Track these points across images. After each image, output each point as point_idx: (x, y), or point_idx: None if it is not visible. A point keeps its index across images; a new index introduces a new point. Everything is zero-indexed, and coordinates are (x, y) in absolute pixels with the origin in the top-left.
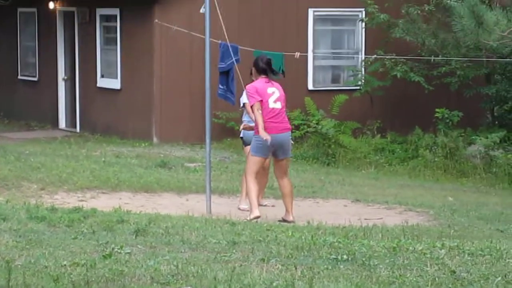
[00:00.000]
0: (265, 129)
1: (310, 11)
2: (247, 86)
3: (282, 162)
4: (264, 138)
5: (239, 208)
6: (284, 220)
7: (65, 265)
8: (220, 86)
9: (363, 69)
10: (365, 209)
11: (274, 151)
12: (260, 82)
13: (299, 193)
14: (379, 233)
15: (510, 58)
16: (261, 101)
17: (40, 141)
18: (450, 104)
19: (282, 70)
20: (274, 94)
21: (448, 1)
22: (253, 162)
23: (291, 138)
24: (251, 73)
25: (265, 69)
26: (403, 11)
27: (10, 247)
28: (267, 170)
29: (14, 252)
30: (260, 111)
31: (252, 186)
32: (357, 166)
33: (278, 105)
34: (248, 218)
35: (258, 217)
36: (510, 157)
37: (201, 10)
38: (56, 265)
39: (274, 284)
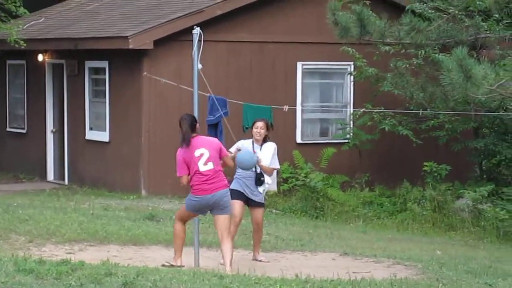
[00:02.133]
0: (198, 190)
1: (299, 65)
2: (177, 153)
3: (220, 218)
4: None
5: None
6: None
7: None
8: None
9: (351, 122)
10: (353, 262)
11: (211, 210)
12: (186, 148)
13: (287, 246)
14: (367, 286)
15: (498, 112)
16: (189, 167)
17: (28, 193)
18: (439, 157)
19: (271, 123)
20: (203, 156)
21: (436, 55)
22: (183, 212)
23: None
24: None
25: (192, 128)
26: (391, 65)
27: None
28: (260, 225)
29: None
30: (184, 184)
31: (179, 233)
32: (345, 219)
33: (210, 166)
34: (169, 264)
35: (180, 266)
36: (498, 211)
37: (200, 67)
38: None
39: None
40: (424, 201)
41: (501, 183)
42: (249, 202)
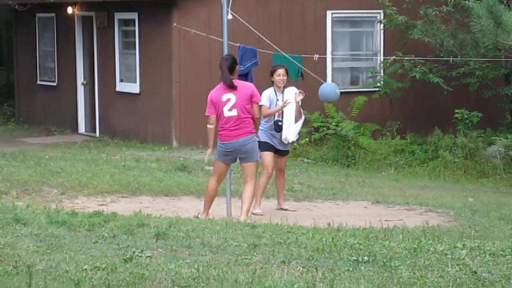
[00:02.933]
0: (222, 136)
1: (329, 13)
2: (209, 95)
3: (246, 166)
4: (206, 159)
5: (252, 213)
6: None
7: (86, 269)
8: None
9: (382, 70)
10: (385, 210)
11: (238, 157)
12: (217, 89)
13: (319, 195)
14: (400, 234)
15: None
16: (217, 110)
17: (59, 146)
18: (469, 104)
19: (301, 73)
20: (229, 102)
21: (466, 2)
22: (215, 164)
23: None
24: (271, 75)
25: (224, 75)
26: (421, 12)
27: (31, 252)
28: (283, 171)
29: (35, 256)
30: (211, 125)
31: (210, 191)
32: (377, 167)
33: (234, 112)
34: (197, 216)
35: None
36: None
37: (229, 17)
38: (77, 269)
39: (295, 286)
40: (455, 148)
41: None
42: (277, 152)
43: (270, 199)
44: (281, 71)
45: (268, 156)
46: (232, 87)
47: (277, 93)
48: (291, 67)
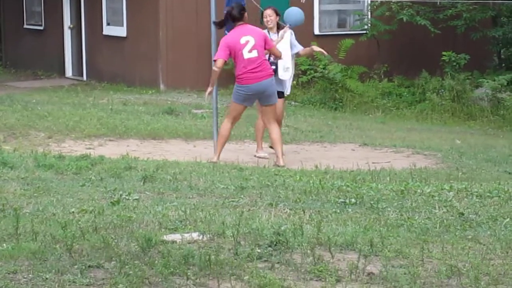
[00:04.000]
0: (243, 79)
1: None
2: (222, 39)
3: (268, 109)
4: (206, 101)
5: (255, 156)
6: (276, 165)
7: (73, 212)
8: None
9: (369, 13)
10: (372, 153)
11: (258, 99)
12: (233, 33)
13: (306, 137)
14: (387, 176)
15: None
16: (234, 54)
17: (46, 89)
18: (457, 47)
19: None
20: (248, 43)
21: None
22: (232, 108)
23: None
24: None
25: (238, 17)
26: None
27: (18, 195)
28: (280, 116)
29: (22, 200)
30: (217, 69)
31: (224, 132)
32: (364, 110)
33: (254, 54)
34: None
35: (214, 162)
36: None
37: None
38: (64, 212)
39: (283, 228)
40: (443, 90)
41: None
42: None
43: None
44: (267, 11)
45: None
46: (246, 30)
47: (271, 33)
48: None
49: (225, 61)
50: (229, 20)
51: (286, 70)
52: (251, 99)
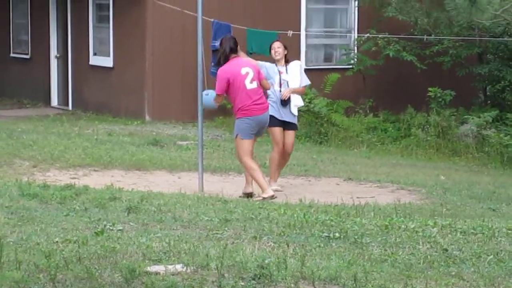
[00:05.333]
0: (251, 111)
1: None
2: (218, 70)
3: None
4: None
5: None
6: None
7: (57, 241)
8: (213, 65)
9: (355, 48)
10: (357, 187)
11: (257, 132)
12: (230, 65)
13: (291, 171)
14: (371, 211)
15: (503, 37)
16: (234, 85)
17: (32, 118)
18: (443, 83)
19: None
20: (248, 75)
21: None
22: (241, 144)
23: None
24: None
25: (234, 48)
26: None
27: (2, 224)
28: (290, 149)
29: (6, 228)
30: (218, 103)
31: (254, 166)
32: (349, 145)
33: (255, 85)
34: (261, 198)
35: (272, 196)
36: (502, 137)
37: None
38: (48, 241)
39: (266, 261)
40: (428, 126)
41: (505, 108)
42: (284, 125)
43: (242, 174)
44: (275, 44)
45: (277, 131)
46: (244, 62)
47: (279, 66)
48: (265, 43)
49: (224, 96)
50: (222, 53)
51: (296, 105)
52: (258, 131)
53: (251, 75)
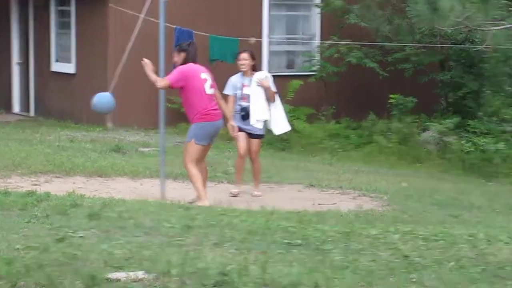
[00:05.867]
0: (209, 116)
1: None
2: (179, 68)
3: (207, 148)
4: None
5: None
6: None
7: (18, 248)
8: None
9: (318, 54)
10: (319, 194)
11: (210, 138)
12: (191, 67)
13: None
14: (333, 218)
15: (464, 45)
16: (191, 87)
17: None
18: (405, 90)
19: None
20: (207, 81)
21: None
22: (194, 149)
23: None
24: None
25: (195, 55)
26: None
27: None
28: (253, 156)
29: None
30: (159, 87)
31: (196, 173)
32: (311, 151)
33: (212, 91)
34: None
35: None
36: (464, 143)
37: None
38: (9, 248)
39: (228, 268)
40: (390, 133)
41: (466, 115)
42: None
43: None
44: (242, 55)
45: (239, 136)
46: (202, 67)
47: (245, 77)
48: (227, 49)
49: (169, 87)
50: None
51: (258, 120)
52: (212, 137)
53: (209, 81)
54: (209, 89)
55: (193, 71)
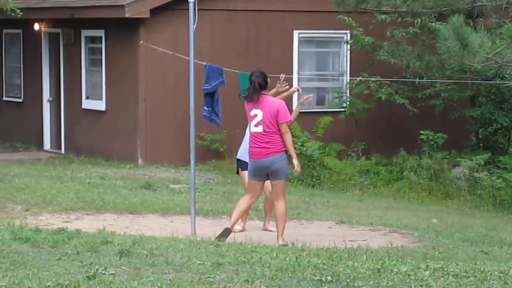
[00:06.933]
0: (250, 154)
1: (295, 33)
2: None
3: (274, 184)
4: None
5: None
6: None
7: (49, 286)
8: (205, 108)
9: (348, 91)
10: (349, 230)
11: (266, 174)
12: (246, 103)
13: None
14: (364, 254)
15: (495, 80)
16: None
17: (24, 162)
18: (435, 126)
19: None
20: (256, 117)
21: (433, 24)
22: (249, 183)
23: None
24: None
25: (263, 85)
26: (388, 33)
27: None
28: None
29: None
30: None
31: (244, 205)
32: (341, 188)
33: (260, 129)
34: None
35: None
36: (495, 179)
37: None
38: (40, 286)
39: None
40: (420, 169)
41: (497, 151)
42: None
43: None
44: None
45: (245, 174)
46: (258, 103)
47: None
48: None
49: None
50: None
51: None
52: (259, 174)
53: (259, 117)
54: (253, 127)
55: (247, 109)
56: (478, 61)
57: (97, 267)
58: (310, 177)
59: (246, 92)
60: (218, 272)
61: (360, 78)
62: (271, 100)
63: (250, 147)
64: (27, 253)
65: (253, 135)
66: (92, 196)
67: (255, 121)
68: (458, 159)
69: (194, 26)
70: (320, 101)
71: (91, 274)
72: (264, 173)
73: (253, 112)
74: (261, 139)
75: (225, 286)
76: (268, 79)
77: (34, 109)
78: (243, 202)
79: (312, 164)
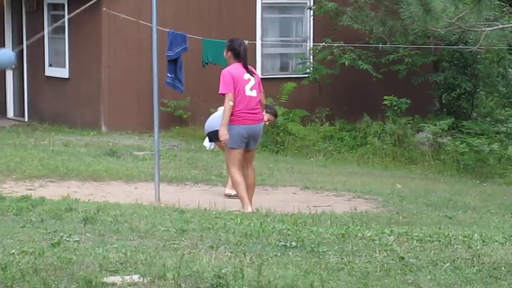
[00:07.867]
0: (242, 119)
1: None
2: (222, 71)
3: (250, 153)
4: (223, 138)
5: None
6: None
7: (13, 253)
8: (168, 75)
9: (311, 57)
10: (314, 196)
11: (247, 143)
12: (234, 68)
13: None
14: (328, 220)
15: (458, 45)
16: (236, 89)
17: None
18: (399, 91)
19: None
20: (250, 81)
21: None
22: (231, 154)
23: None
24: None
25: (243, 55)
26: None
27: None
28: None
29: None
30: (231, 103)
31: (238, 179)
32: (306, 153)
33: (254, 93)
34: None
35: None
36: (458, 144)
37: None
38: (4, 253)
39: (223, 271)
40: (384, 135)
41: (460, 116)
42: None
43: (199, 184)
44: (268, 117)
45: None
46: (250, 70)
47: None
48: (220, 53)
49: (231, 99)
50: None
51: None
52: (248, 141)
53: (252, 82)
54: (249, 91)
55: (236, 73)
56: (441, 26)
57: (61, 234)
58: (274, 143)
59: (240, 56)
60: (183, 239)
61: (323, 44)
62: (253, 68)
63: (247, 112)
64: None
65: (249, 99)
66: (56, 163)
67: (249, 85)
68: (421, 124)
69: None
70: (283, 67)
71: (55, 241)
72: (250, 140)
73: (246, 76)
74: (256, 104)
75: (190, 252)
76: None
77: None
78: (239, 178)
79: (276, 130)
